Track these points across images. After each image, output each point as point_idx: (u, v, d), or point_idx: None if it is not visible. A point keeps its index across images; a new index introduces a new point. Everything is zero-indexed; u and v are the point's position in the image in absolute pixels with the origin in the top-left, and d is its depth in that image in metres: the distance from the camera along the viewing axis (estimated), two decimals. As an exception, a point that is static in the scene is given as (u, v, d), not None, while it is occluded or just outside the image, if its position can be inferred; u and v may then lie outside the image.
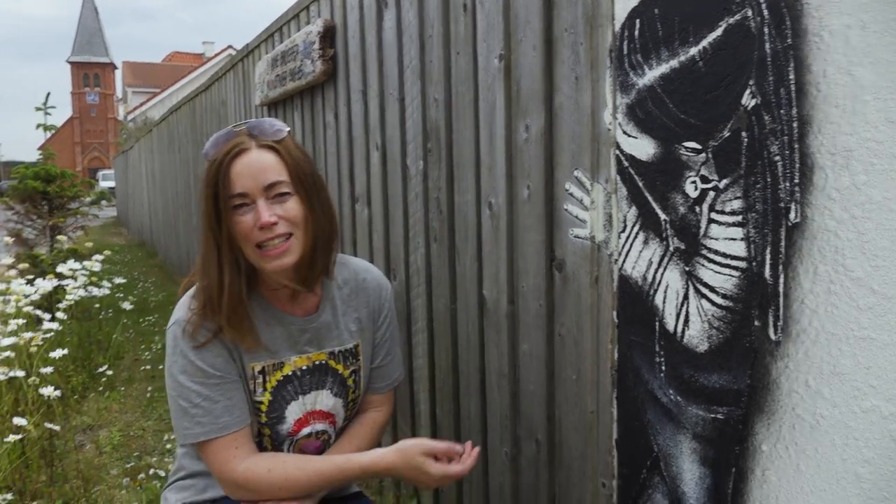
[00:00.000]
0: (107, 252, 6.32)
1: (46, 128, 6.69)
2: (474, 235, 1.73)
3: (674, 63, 1.17)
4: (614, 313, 1.32)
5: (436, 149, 1.89)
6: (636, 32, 1.24)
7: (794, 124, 1.00)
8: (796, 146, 1.00)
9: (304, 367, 1.37)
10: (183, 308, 1.30)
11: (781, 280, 1.03)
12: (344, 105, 2.51)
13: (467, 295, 1.79)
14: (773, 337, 1.05)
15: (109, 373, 3.71)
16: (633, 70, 1.25)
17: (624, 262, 1.29)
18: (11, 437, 2.20)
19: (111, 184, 25.72)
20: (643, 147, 1.24)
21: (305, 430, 1.39)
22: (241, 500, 1.29)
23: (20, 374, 2.55)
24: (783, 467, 1.05)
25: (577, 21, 1.35)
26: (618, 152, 1.29)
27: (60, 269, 3.98)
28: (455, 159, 1.81)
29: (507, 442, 1.66)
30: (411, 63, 1.99)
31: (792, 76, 1.00)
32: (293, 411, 1.37)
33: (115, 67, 60.11)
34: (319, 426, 1.41)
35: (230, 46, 34.50)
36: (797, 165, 1.00)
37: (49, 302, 4.21)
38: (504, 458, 1.68)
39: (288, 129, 1.31)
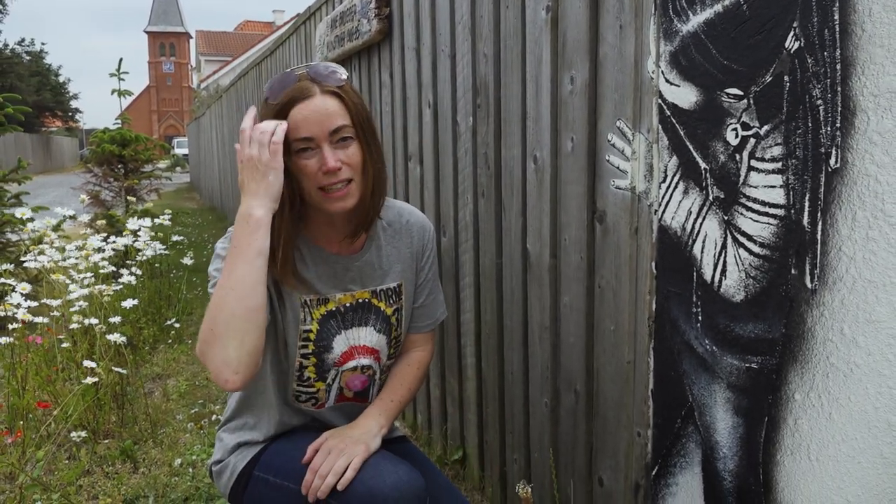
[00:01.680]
0: (178, 213, 6.55)
1: (121, 93, 6.87)
2: (519, 190, 1.74)
3: (718, 7, 1.15)
4: (653, 264, 1.32)
5: (485, 104, 1.90)
6: (681, -23, 1.22)
7: (838, 66, 0.97)
8: (839, 89, 0.98)
9: (348, 304, 1.43)
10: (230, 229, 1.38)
11: (819, 227, 1.02)
12: (398, 64, 2.53)
13: (512, 249, 1.81)
14: (809, 285, 1.04)
15: (177, 325, 3.89)
16: (677, 16, 1.23)
17: (663, 212, 1.29)
18: (89, 380, 2.35)
19: (185, 151, 26.58)
20: (685, 95, 1.22)
21: (351, 363, 1.44)
22: (218, 365, 1.21)
23: (94, 321, 2.71)
24: (815, 416, 1.05)
25: (622, -32, 1.33)
26: (660, 101, 1.27)
27: (130, 225, 4.17)
28: (503, 114, 1.81)
29: (547, 393, 1.68)
30: (462, 18, 1.99)
31: (836, 16, 0.97)
32: (339, 343, 1.42)
33: (190, 37, 61.61)
34: (364, 361, 1.46)
35: (298, 14, 34.79)
36: (839, 109, 0.98)
37: (123, 259, 4.42)
38: (544, 409, 1.70)
39: (346, 73, 1.35)
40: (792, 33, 1.03)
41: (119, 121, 7.85)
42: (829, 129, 0.99)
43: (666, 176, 1.28)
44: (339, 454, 1.30)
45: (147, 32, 60.90)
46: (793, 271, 1.06)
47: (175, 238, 5.32)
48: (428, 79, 2.27)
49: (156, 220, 4.35)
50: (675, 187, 1.26)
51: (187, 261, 4.45)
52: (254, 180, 1.26)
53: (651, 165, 1.31)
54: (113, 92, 7.01)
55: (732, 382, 1.18)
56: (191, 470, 2.38)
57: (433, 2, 2.19)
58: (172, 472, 2.37)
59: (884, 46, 0.91)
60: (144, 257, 4.05)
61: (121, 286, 3.23)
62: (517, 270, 1.79)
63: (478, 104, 1.94)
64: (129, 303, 2.93)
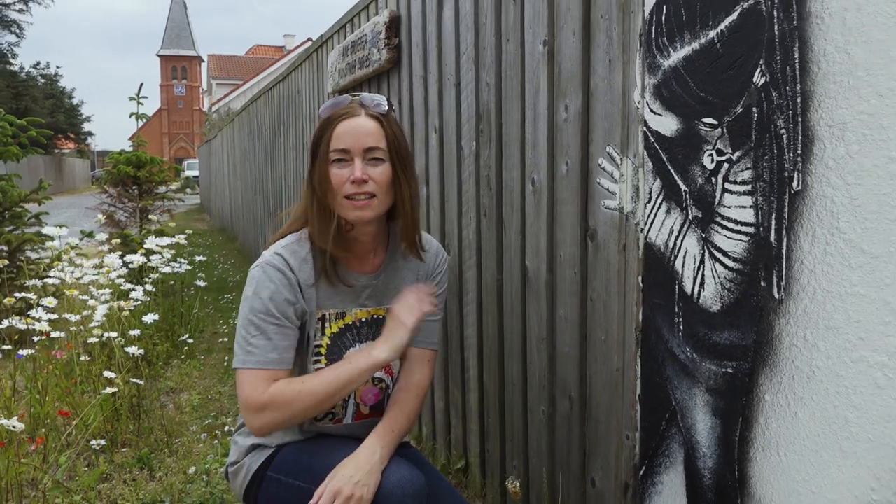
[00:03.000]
0: (188, 231, 6.72)
1: (139, 117, 7.08)
2: (519, 210, 1.86)
3: (695, 45, 1.27)
4: (639, 278, 1.43)
5: (487, 130, 2.02)
6: (663, 18, 1.34)
7: (798, 100, 1.09)
8: (799, 120, 1.09)
9: (363, 319, 1.54)
10: (270, 252, 1.49)
11: (784, 243, 1.13)
12: (406, 91, 2.67)
13: (512, 266, 1.92)
14: (776, 296, 1.14)
15: (191, 341, 4.00)
16: (659, 52, 1.35)
17: (649, 230, 1.40)
18: (109, 390, 2.46)
19: (195, 172, 26.91)
20: (667, 123, 1.34)
21: None
22: (263, 425, 1.40)
23: (113, 335, 2.83)
24: (783, 415, 1.15)
25: (611, 8, 1.46)
26: (645, 129, 1.39)
27: (148, 244, 4.30)
28: (504, 139, 1.93)
29: (544, 401, 1.79)
30: (467, 50, 2.12)
31: (797, 55, 1.09)
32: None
33: (202, 60, 62.44)
34: (377, 374, 1.56)
35: (309, 39, 35.37)
36: (800, 137, 1.09)
37: (138, 277, 4.55)
38: (542, 416, 1.80)
39: (391, 105, 1.51)
40: (759, 69, 1.15)
41: (132, 143, 8.03)
42: (791, 155, 1.10)
43: (651, 197, 1.39)
44: (346, 502, 1.33)
45: (160, 56, 61.79)
46: (762, 283, 1.17)
47: (198, 258, 5.45)
48: (434, 105, 2.40)
49: (171, 240, 4.49)
50: (659, 207, 1.38)
51: (200, 282, 4.58)
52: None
53: (637, 187, 1.43)
54: (131, 115, 7.18)
55: (710, 386, 1.29)
56: (205, 477, 2.48)
57: (440, 34, 2.32)
58: (187, 480, 2.47)
59: (837, 82, 1.03)
60: (159, 275, 4.18)
61: (139, 302, 3.35)
62: (517, 285, 1.90)
63: (480, 130, 2.06)
64: (150, 318, 3.05)
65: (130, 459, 2.61)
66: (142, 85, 7.57)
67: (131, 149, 7.68)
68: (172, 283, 4.91)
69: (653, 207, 1.39)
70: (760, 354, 1.18)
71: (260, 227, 7.39)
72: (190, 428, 3.03)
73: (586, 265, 1.59)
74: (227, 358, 4.20)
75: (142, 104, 7.72)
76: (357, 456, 1.42)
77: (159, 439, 2.83)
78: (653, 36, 1.36)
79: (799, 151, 1.09)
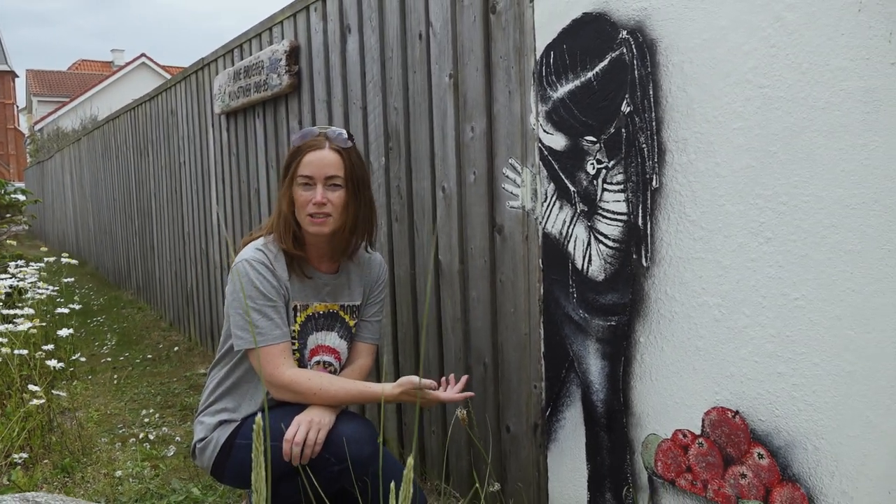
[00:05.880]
0: (43, 248, 6.47)
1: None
2: (430, 213, 2.22)
3: (577, 82, 1.70)
4: (540, 260, 1.84)
5: (396, 147, 2.37)
6: (551, 61, 1.76)
7: (654, 123, 1.54)
8: (655, 137, 1.54)
9: (321, 312, 1.85)
10: (250, 250, 1.78)
11: (649, 226, 1.57)
12: (308, 112, 2.96)
13: (425, 261, 2.28)
14: (644, 264, 1.58)
15: (84, 360, 4.00)
16: (549, 87, 1.77)
17: (546, 223, 1.81)
18: (35, 401, 2.54)
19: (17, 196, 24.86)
20: (557, 141, 1.76)
21: (316, 358, 1.85)
22: (281, 398, 1.75)
23: (24, 351, 2.87)
24: (653, 351, 1.59)
25: (509, 51, 1.86)
26: (540, 145, 1.81)
27: (10, 268, 4.23)
28: (413, 154, 2.29)
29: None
30: (374, 78, 2.46)
31: (651, 92, 1.54)
32: (310, 342, 1.83)
33: (16, 76, 57.51)
34: (326, 358, 1.87)
35: (143, 54, 33.91)
36: (656, 150, 1.54)
37: (10, 299, 4.44)
38: (458, 384, 2.17)
39: (352, 141, 1.82)
40: (625, 101, 1.59)
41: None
42: (651, 162, 1.55)
43: (546, 197, 1.81)
44: (307, 427, 1.69)
45: (-34, 70, 56.23)
46: (634, 256, 1.60)
47: (66, 280, 5.32)
48: (339, 125, 2.71)
49: (39, 263, 4.42)
50: (554, 205, 1.79)
51: (75, 306, 4.54)
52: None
53: (536, 190, 1.84)
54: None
55: (599, 337, 1.71)
56: (132, 480, 2.61)
57: (344, 63, 2.64)
58: (117, 483, 2.59)
59: (679, 111, 1.49)
60: (44, 296, 4.14)
61: (31, 325, 3.36)
62: (430, 277, 2.26)
63: (390, 147, 2.41)
64: (64, 332, 3.10)
65: (54, 470, 2.68)
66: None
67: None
68: (46, 307, 4.79)
69: (549, 205, 1.81)
70: (635, 308, 1.62)
71: (121, 247, 7.22)
72: (101, 439, 3.10)
73: (494, 254, 1.98)
74: (115, 377, 4.21)
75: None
76: (311, 407, 1.75)
77: (74, 450, 2.90)
78: (544, 74, 1.78)
79: (656, 160, 1.54)
